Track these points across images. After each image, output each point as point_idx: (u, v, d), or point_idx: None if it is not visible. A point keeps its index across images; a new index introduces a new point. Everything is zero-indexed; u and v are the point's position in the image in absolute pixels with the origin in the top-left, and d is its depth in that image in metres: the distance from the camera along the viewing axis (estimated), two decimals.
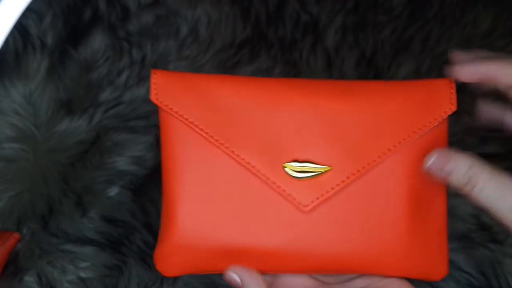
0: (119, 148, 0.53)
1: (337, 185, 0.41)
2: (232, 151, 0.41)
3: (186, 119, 0.41)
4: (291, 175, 0.41)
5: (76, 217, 0.52)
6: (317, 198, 0.40)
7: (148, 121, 0.54)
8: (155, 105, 0.54)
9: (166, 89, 0.42)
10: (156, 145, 0.53)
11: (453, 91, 0.43)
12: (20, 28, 0.53)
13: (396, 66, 0.55)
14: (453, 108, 0.42)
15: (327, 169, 0.41)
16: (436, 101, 0.42)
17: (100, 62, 0.54)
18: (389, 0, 0.55)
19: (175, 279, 0.52)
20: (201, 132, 0.41)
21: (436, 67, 0.55)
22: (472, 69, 0.41)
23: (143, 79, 0.54)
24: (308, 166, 0.41)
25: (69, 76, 0.54)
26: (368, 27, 0.55)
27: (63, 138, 0.53)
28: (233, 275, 0.40)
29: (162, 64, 0.54)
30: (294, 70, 0.54)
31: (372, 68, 0.55)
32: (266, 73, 0.54)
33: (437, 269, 0.42)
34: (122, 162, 0.53)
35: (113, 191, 0.53)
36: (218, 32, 0.55)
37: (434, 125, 0.42)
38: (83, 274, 0.51)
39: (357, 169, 0.41)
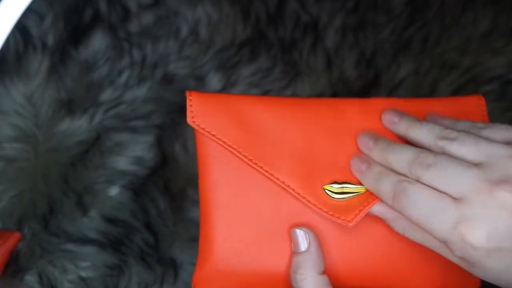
0: (120, 148, 0.53)
1: (376, 202, 0.40)
2: (272, 174, 0.40)
3: (224, 142, 0.41)
4: (331, 197, 0.40)
5: (76, 217, 0.52)
6: (360, 210, 0.40)
7: (149, 121, 0.54)
8: (156, 105, 0.54)
9: (202, 112, 0.42)
10: (157, 145, 0.53)
11: (484, 108, 0.43)
12: (21, 28, 0.54)
13: (395, 66, 0.55)
14: None
15: (366, 189, 0.40)
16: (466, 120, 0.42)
17: (100, 62, 0.54)
18: (389, 0, 0.55)
19: (175, 278, 0.52)
20: (239, 155, 0.41)
21: (435, 67, 0.55)
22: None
23: (144, 79, 0.54)
24: (348, 187, 0.40)
25: (70, 76, 0.54)
26: (368, 27, 0.55)
27: (64, 138, 0.53)
28: (302, 232, 0.40)
29: (162, 64, 0.54)
30: (294, 70, 0.55)
31: (371, 68, 0.55)
32: (266, 73, 0.54)
33: (473, 280, 0.42)
34: (122, 162, 0.53)
35: (114, 191, 0.53)
36: (218, 32, 0.55)
37: None
38: (83, 274, 0.51)
39: None
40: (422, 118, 0.42)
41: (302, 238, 0.39)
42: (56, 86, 0.53)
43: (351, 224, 0.40)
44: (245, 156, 0.41)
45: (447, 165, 0.37)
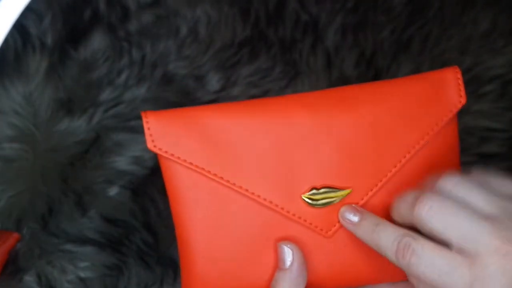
0: (119, 148, 0.53)
1: (357, 203, 0.39)
2: (246, 190, 0.39)
3: (191, 164, 0.38)
4: (311, 205, 0.39)
5: (76, 217, 0.52)
6: (339, 221, 0.39)
7: None
8: (155, 105, 0.54)
9: (163, 133, 0.39)
10: None
11: (460, 81, 0.41)
12: (19, 28, 0.53)
13: (395, 66, 0.55)
14: (463, 100, 0.40)
15: (347, 192, 0.39)
16: (443, 95, 0.40)
17: (100, 62, 0.54)
18: (389, 0, 0.55)
19: (174, 278, 0.52)
20: (209, 175, 0.38)
21: (436, 67, 0.55)
22: None
23: (143, 79, 0.54)
24: (328, 193, 0.39)
25: (69, 76, 0.54)
26: (368, 27, 0.55)
27: (63, 138, 0.53)
28: (288, 248, 0.39)
29: (161, 64, 0.54)
30: (294, 70, 0.55)
31: (371, 68, 0.55)
32: (266, 73, 0.54)
33: None
34: (122, 162, 0.53)
35: (113, 191, 0.53)
36: (218, 32, 0.55)
37: (445, 122, 0.39)
38: (82, 274, 0.51)
39: (375, 183, 0.39)
40: (394, 101, 0.39)
41: (287, 255, 0.39)
42: (55, 86, 0.53)
43: (328, 235, 0.39)
44: (215, 175, 0.39)
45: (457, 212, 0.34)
